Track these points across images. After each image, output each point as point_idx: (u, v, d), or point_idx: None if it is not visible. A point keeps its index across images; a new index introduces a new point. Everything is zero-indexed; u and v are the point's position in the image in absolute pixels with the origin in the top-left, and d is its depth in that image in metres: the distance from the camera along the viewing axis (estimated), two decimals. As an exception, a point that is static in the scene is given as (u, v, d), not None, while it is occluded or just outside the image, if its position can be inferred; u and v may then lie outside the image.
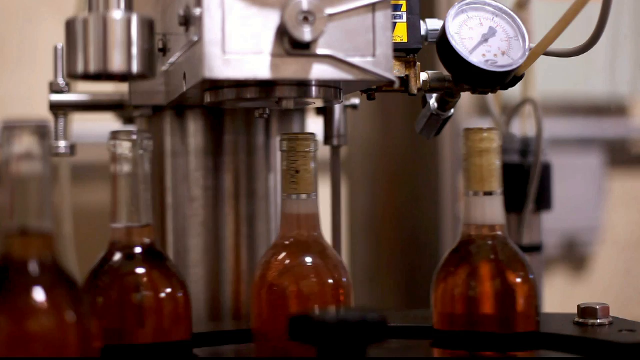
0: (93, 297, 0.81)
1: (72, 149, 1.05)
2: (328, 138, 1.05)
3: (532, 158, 1.16)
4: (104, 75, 0.81)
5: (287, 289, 0.86)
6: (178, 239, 1.03)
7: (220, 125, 1.03)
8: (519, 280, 0.86)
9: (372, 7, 0.81)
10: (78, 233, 1.44)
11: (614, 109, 2.07)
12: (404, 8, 0.89)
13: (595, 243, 2.05)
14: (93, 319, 0.70)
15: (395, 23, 0.88)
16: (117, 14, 0.80)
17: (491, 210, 0.87)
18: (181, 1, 0.84)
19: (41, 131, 0.68)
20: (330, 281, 0.87)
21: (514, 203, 1.17)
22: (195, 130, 1.03)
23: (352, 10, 0.80)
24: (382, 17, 0.81)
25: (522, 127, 1.23)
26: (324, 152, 1.07)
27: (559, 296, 1.91)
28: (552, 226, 1.35)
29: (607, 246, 2.05)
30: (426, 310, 0.95)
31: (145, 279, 0.82)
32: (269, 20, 0.78)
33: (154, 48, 0.83)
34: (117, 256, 0.83)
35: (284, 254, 0.88)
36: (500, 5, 0.90)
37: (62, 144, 1.03)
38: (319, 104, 0.96)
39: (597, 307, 0.90)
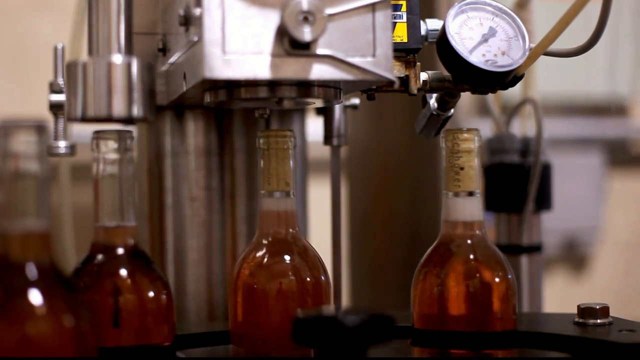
0: None
1: (72, 149, 1.04)
2: (328, 138, 1.05)
3: (532, 158, 1.16)
4: (104, 119, 0.81)
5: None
6: (178, 239, 1.03)
7: (220, 125, 1.03)
8: (496, 279, 0.86)
9: (372, 7, 0.81)
10: (78, 233, 1.44)
11: (614, 109, 2.07)
12: (404, 8, 0.89)
13: (595, 243, 2.05)
14: (91, 322, 0.69)
15: (395, 23, 0.88)
16: (118, 59, 0.80)
17: (470, 210, 0.87)
18: (181, 1, 0.84)
19: (39, 130, 0.67)
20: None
21: (514, 203, 1.17)
22: (195, 130, 1.03)
23: (352, 10, 0.80)
24: (382, 17, 0.81)
25: (522, 127, 1.23)
26: (324, 152, 1.07)
27: (559, 296, 1.91)
28: (552, 226, 1.35)
29: (607, 246, 2.05)
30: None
31: (127, 280, 0.82)
32: (269, 20, 0.78)
33: (154, 90, 0.83)
34: (99, 257, 0.82)
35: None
36: (500, 5, 0.90)
37: (62, 144, 1.03)
38: (319, 104, 0.96)
39: (597, 307, 0.90)
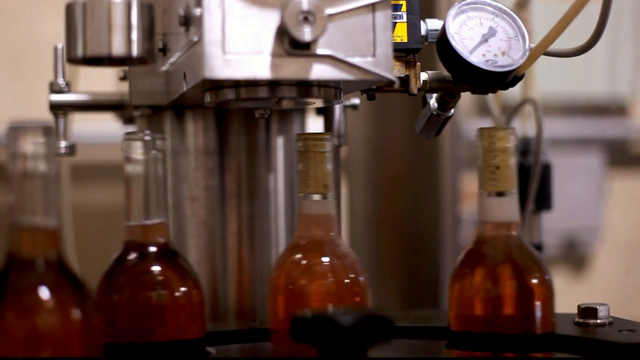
0: (108, 296, 0.82)
1: (72, 149, 1.04)
2: (328, 138, 1.05)
3: (532, 158, 1.16)
4: (104, 59, 0.82)
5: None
6: (178, 239, 1.03)
7: (220, 125, 1.03)
8: (535, 281, 0.84)
9: (372, 7, 0.81)
10: (78, 233, 1.44)
11: (614, 109, 2.07)
12: (404, 8, 0.89)
13: (595, 243, 2.05)
14: (97, 317, 0.72)
15: (395, 23, 0.88)
16: None
17: (507, 211, 0.85)
18: (181, 1, 0.84)
19: (46, 131, 0.70)
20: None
21: (514, 203, 1.17)
22: (195, 130, 1.03)
23: (352, 10, 0.80)
24: (382, 17, 0.81)
25: (522, 127, 1.23)
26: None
27: (559, 296, 1.91)
28: (552, 226, 1.35)
29: (607, 246, 2.05)
30: (428, 310, 0.95)
31: (160, 278, 0.83)
32: (269, 20, 0.78)
33: (153, 32, 0.83)
34: (132, 255, 0.84)
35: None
36: (500, 5, 0.90)
37: (62, 144, 1.03)
38: (319, 104, 0.96)
39: (597, 307, 0.90)
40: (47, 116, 1.05)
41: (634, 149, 2.12)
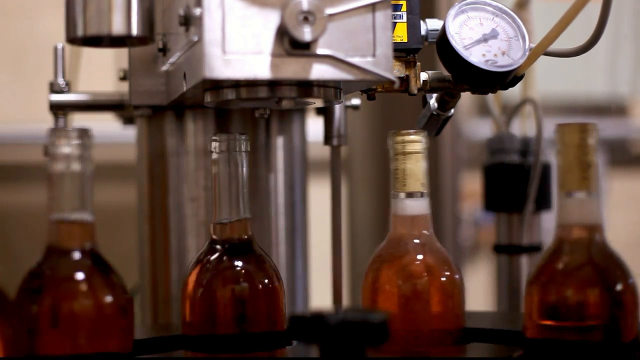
0: (196, 290, 0.86)
1: (72, 148, 1.04)
2: (328, 138, 1.05)
3: (532, 158, 1.16)
4: (104, 39, 0.82)
5: None
6: (178, 239, 1.03)
7: (220, 125, 1.03)
8: (620, 287, 0.81)
9: (372, 7, 0.81)
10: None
11: (614, 109, 2.07)
12: (404, 8, 0.89)
13: (595, 243, 2.05)
14: (126, 300, 0.79)
15: (395, 23, 0.88)
16: None
17: (592, 212, 0.82)
18: (181, 1, 0.84)
19: (81, 134, 0.77)
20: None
21: (514, 203, 1.17)
22: (195, 130, 1.03)
23: (352, 10, 0.80)
24: (382, 17, 0.81)
25: (522, 127, 1.24)
26: (324, 152, 1.07)
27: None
28: (552, 226, 1.34)
29: (607, 246, 2.05)
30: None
31: (242, 271, 0.86)
32: (269, 20, 0.78)
33: (153, 12, 0.83)
34: (217, 251, 0.87)
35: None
36: (500, 5, 0.90)
37: (62, 144, 1.03)
38: (319, 104, 0.96)
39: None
40: (47, 116, 1.05)
41: (634, 149, 2.12)
